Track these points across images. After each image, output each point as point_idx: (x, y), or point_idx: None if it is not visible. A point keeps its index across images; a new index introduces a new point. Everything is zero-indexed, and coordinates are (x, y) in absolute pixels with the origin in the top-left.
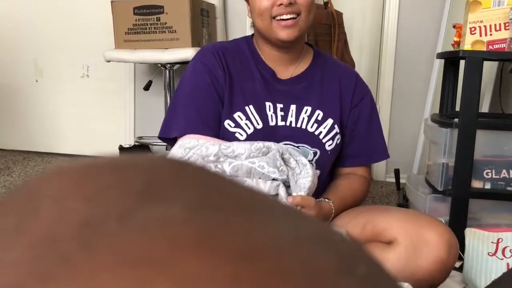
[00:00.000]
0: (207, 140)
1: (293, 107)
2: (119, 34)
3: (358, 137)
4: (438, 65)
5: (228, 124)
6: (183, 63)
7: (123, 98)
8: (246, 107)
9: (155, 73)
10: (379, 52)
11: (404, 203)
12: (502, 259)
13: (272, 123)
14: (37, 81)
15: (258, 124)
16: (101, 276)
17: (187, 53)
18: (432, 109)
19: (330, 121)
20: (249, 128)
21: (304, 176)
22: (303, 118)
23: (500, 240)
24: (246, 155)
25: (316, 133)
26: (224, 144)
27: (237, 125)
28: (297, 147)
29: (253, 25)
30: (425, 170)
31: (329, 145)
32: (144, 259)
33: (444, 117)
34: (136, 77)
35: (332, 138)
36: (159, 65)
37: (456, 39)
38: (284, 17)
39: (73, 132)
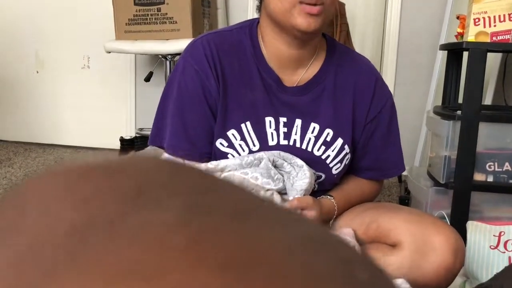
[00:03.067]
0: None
1: (298, 123)
2: (120, 25)
3: (373, 151)
4: (441, 56)
5: (220, 143)
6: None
7: (124, 89)
8: (242, 125)
9: (156, 64)
10: (382, 43)
11: (405, 195)
12: (504, 252)
13: (272, 143)
14: (37, 72)
15: (254, 145)
16: None
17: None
18: (435, 101)
19: (339, 142)
20: (243, 150)
21: (301, 178)
22: (309, 139)
23: (502, 233)
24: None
25: (323, 157)
26: (212, 163)
27: (230, 145)
28: None
29: (259, 6)
30: (427, 163)
31: (336, 169)
32: (132, 269)
33: (446, 109)
34: (137, 68)
35: (341, 161)
36: (160, 56)
37: (459, 30)
38: (311, 1)
39: (74, 124)
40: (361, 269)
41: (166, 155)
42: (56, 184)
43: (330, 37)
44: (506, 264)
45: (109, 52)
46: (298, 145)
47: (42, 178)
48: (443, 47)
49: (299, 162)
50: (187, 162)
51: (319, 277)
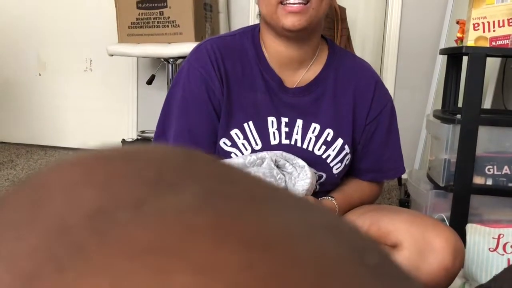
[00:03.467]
0: None
1: (299, 123)
2: (122, 28)
3: (372, 152)
4: (441, 61)
5: (224, 143)
6: (186, 57)
7: (126, 92)
8: (245, 124)
9: (158, 67)
10: (382, 47)
11: (405, 198)
12: (503, 254)
13: (274, 142)
14: (40, 74)
15: (256, 144)
16: (116, 264)
17: (190, 47)
18: (435, 105)
19: (340, 142)
20: (246, 149)
21: (303, 178)
22: (310, 139)
23: (501, 235)
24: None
25: (324, 156)
26: None
27: (234, 144)
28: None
29: (259, 14)
30: (427, 166)
31: (336, 168)
32: (158, 247)
33: (446, 113)
34: (139, 71)
35: (341, 161)
36: (162, 59)
37: (459, 35)
38: (291, 1)
39: (76, 126)
40: (371, 255)
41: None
42: (79, 169)
43: (331, 41)
44: (505, 266)
45: (112, 55)
46: (299, 144)
47: (62, 166)
48: (443, 51)
49: (301, 162)
50: (202, 152)
51: (332, 261)
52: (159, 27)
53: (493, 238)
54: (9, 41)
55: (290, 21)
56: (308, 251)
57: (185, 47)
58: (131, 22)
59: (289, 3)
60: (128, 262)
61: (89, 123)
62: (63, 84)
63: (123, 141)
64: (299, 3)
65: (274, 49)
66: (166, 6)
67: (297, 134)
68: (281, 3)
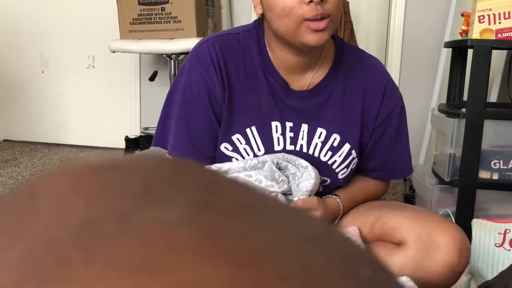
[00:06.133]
0: None
1: (304, 127)
2: (124, 24)
3: (380, 153)
4: (446, 54)
5: (225, 147)
6: (188, 53)
7: (129, 88)
8: (247, 129)
9: (161, 63)
10: (386, 41)
11: (410, 193)
12: (510, 250)
13: (278, 148)
14: (43, 72)
15: (259, 150)
16: (99, 280)
17: (192, 43)
18: (439, 99)
19: (347, 147)
20: (247, 154)
21: (306, 179)
22: (316, 144)
23: (508, 231)
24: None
25: (330, 162)
26: (215, 166)
27: (235, 149)
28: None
29: (260, 20)
30: (432, 161)
31: (342, 174)
32: (141, 263)
33: (451, 107)
34: (142, 67)
35: (347, 166)
36: (164, 55)
37: (464, 27)
38: (316, 17)
39: (79, 123)
40: (364, 266)
41: (169, 157)
42: (67, 181)
43: (338, 38)
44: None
45: (114, 52)
46: (305, 150)
47: (52, 175)
48: (448, 44)
49: (304, 163)
50: (192, 161)
51: (322, 273)
52: (161, 23)
53: (499, 233)
54: (12, 39)
55: (314, 38)
56: (295, 264)
57: (187, 43)
58: (133, 18)
59: (315, 20)
60: (110, 279)
61: (92, 120)
62: (66, 81)
63: (127, 138)
64: (322, 19)
65: (281, 56)
66: (167, 2)
67: (302, 139)
68: (305, 20)
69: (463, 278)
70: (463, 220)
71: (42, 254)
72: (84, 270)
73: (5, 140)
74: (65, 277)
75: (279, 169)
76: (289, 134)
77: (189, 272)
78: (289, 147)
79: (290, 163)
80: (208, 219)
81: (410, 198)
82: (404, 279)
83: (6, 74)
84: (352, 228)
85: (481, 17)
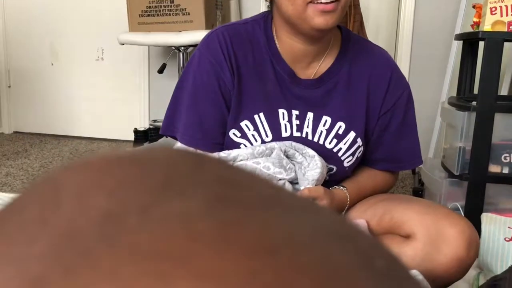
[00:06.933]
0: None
1: (310, 116)
2: (133, 16)
3: (386, 143)
4: (457, 46)
5: (233, 133)
6: (197, 45)
7: (138, 81)
8: (255, 116)
9: (169, 56)
10: (396, 33)
11: (419, 187)
12: None
13: (286, 134)
14: (52, 64)
15: (267, 136)
16: (122, 271)
17: (201, 35)
18: (449, 92)
19: (352, 135)
20: (255, 140)
21: (313, 168)
22: (321, 132)
23: None
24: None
25: (335, 150)
26: (224, 152)
27: (244, 135)
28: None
29: (270, 7)
30: (441, 154)
31: (348, 162)
32: (163, 253)
33: (461, 100)
34: (150, 60)
35: (353, 154)
36: (173, 47)
37: (475, 19)
38: (324, 0)
39: (88, 115)
40: (378, 259)
41: (179, 145)
42: (88, 174)
43: (345, 28)
44: None
45: (123, 44)
46: (310, 137)
47: (74, 168)
48: (459, 37)
49: (311, 152)
50: (210, 154)
51: (339, 265)
52: (170, 15)
53: (509, 227)
54: (22, 31)
55: (323, 20)
56: (313, 257)
57: (196, 35)
58: (142, 11)
59: (322, 2)
60: (133, 268)
61: (101, 113)
62: (75, 73)
63: (136, 130)
64: (331, 1)
65: (289, 44)
66: None
67: (307, 127)
68: (312, 2)
69: (472, 272)
70: (473, 214)
71: (66, 246)
72: (107, 260)
73: (16, 132)
74: (89, 269)
75: (287, 157)
76: (295, 122)
77: (210, 263)
78: (296, 133)
79: (297, 151)
80: (226, 211)
81: (419, 191)
82: (413, 273)
83: (16, 66)
84: (360, 221)
85: (493, 9)
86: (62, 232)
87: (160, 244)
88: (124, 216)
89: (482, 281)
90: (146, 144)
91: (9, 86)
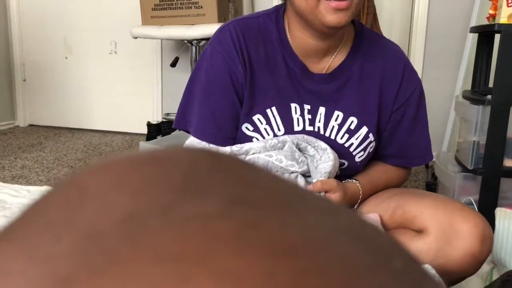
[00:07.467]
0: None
1: (321, 110)
2: (146, 10)
3: (398, 139)
4: (471, 39)
5: (246, 127)
6: (209, 39)
7: (151, 74)
8: (268, 110)
9: (182, 49)
10: (410, 25)
11: (432, 181)
12: None
13: (298, 128)
14: (66, 58)
15: (279, 130)
16: (146, 271)
17: (214, 29)
18: (464, 86)
19: (364, 130)
20: (268, 134)
21: (325, 161)
22: (333, 127)
23: None
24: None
25: (346, 145)
26: (237, 146)
27: (256, 129)
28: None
29: (281, 4)
30: (455, 148)
31: (359, 157)
32: (184, 254)
33: (476, 93)
34: (163, 53)
35: (364, 149)
36: (186, 41)
37: (491, 12)
38: None
39: (102, 108)
40: (396, 258)
41: (191, 139)
42: (110, 175)
43: (358, 22)
44: None
45: (136, 38)
46: (322, 132)
47: (97, 169)
48: (474, 29)
49: (323, 145)
50: (229, 154)
51: (357, 265)
52: (182, 8)
53: None
54: (36, 25)
55: (335, 18)
56: (331, 257)
57: (208, 29)
58: (155, 4)
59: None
60: (156, 269)
61: (115, 106)
62: (89, 67)
63: (149, 123)
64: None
65: (301, 39)
66: None
67: (319, 121)
68: None
69: (486, 267)
70: (486, 208)
71: (90, 246)
72: (131, 261)
73: (30, 125)
74: (114, 269)
75: (299, 150)
76: (307, 116)
77: (228, 264)
78: (309, 127)
79: (309, 144)
80: (245, 212)
81: (432, 186)
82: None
83: (31, 60)
84: (373, 214)
85: (510, 1)
86: (86, 233)
87: (181, 245)
88: (146, 217)
89: (495, 276)
90: (159, 138)
91: (24, 80)
